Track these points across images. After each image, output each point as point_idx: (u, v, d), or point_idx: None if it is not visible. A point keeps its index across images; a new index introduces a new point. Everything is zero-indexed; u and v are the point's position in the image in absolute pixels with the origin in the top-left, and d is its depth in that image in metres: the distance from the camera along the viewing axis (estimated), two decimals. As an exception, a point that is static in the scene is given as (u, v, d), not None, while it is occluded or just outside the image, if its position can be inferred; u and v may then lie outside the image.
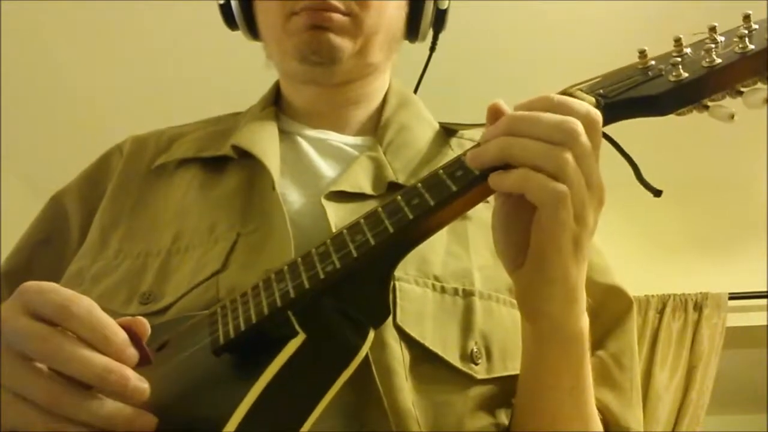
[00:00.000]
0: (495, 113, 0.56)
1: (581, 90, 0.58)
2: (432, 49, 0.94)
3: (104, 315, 0.50)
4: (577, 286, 0.57)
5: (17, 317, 0.49)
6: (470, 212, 0.65)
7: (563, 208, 0.52)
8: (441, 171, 0.55)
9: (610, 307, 0.76)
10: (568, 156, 0.51)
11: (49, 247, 0.81)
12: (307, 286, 0.53)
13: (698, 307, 2.75)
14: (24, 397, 0.48)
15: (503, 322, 0.68)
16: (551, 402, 0.62)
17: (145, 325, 0.53)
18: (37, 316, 0.49)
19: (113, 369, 0.48)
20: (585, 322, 0.60)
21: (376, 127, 0.81)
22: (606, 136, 0.55)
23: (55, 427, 0.47)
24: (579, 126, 0.52)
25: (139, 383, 0.48)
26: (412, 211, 0.53)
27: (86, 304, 0.50)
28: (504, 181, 0.53)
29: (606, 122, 0.55)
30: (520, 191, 0.52)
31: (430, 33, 0.89)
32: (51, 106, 2.60)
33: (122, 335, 0.50)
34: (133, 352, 0.50)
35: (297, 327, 0.52)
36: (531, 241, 0.55)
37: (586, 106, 0.54)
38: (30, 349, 0.48)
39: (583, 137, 0.52)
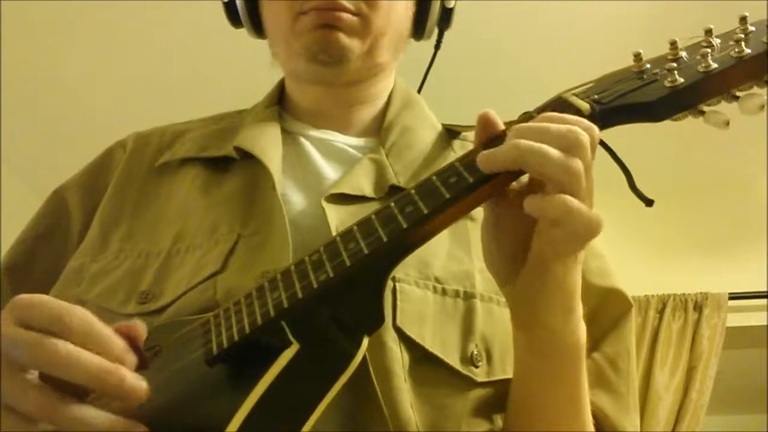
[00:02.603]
0: (485, 123, 0.55)
1: (575, 95, 0.56)
2: (437, 47, 0.94)
3: (100, 324, 0.50)
4: (574, 293, 0.56)
5: (9, 328, 0.49)
6: (473, 213, 0.64)
7: (592, 234, 0.51)
8: (435, 177, 0.54)
9: (608, 310, 0.75)
10: (581, 167, 0.50)
11: (50, 241, 0.81)
12: (300, 295, 0.53)
13: (698, 307, 2.74)
14: (15, 409, 0.47)
15: (504, 325, 0.67)
16: (549, 409, 0.62)
17: (142, 327, 0.53)
18: (30, 328, 0.48)
19: (110, 369, 0.47)
20: (582, 331, 0.59)
21: (379, 129, 0.81)
22: (601, 142, 0.54)
23: None
24: (586, 137, 0.51)
25: (137, 381, 0.48)
26: (405, 220, 0.52)
27: (81, 315, 0.49)
28: (543, 211, 0.50)
29: (600, 128, 0.54)
30: (558, 222, 0.50)
31: (435, 31, 0.89)
32: (51, 106, 2.59)
33: (120, 342, 0.50)
34: (132, 358, 0.50)
35: (291, 337, 0.51)
36: (533, 253, 0.54)
37: (587, 123, 0.52)
38: (23, 356, 0.47)
39: (590, 150, 0.51)
